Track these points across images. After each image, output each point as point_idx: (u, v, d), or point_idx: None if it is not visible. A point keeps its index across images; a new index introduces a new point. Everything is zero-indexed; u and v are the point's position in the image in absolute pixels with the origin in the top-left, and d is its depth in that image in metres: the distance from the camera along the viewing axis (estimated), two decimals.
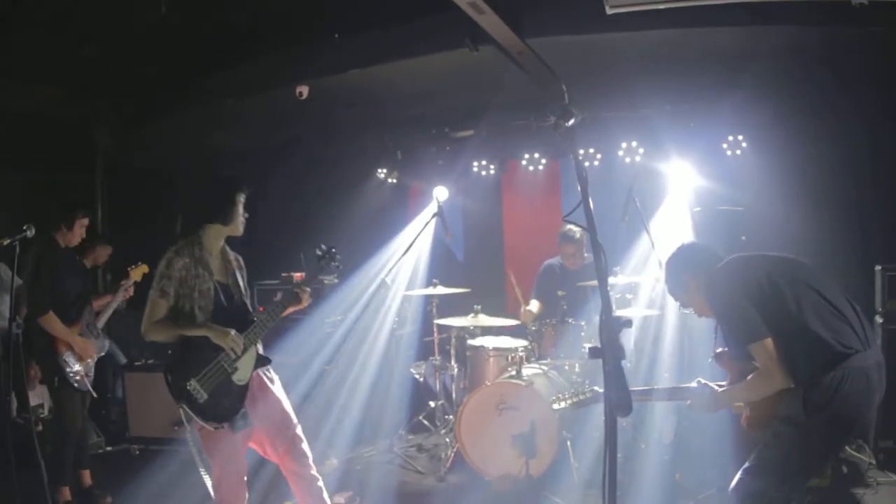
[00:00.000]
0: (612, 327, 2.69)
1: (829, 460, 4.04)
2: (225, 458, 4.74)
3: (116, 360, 8.87)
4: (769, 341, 4.04)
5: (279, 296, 5.11)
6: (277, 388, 5.08)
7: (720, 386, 4.53)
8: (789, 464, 4.04)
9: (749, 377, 4.22)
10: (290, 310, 5.04)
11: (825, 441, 4.01)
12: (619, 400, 2.66)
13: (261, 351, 5.02)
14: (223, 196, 4.91)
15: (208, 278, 4.80)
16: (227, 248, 5.11)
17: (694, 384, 4.59)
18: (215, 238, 4.95)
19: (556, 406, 5.11)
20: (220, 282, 4.90)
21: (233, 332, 4.66)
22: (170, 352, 4.82)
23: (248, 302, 5.11)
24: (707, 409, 4.53)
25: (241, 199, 4.94)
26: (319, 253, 5.29)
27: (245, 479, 4.88)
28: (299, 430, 5.04)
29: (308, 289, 5.10)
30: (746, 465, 4.22)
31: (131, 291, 7.27)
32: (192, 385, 4.60)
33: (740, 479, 4.21)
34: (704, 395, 4.48)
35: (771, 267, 4.30)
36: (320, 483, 5.08)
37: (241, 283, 5.07)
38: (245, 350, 4.71)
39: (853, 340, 4.02)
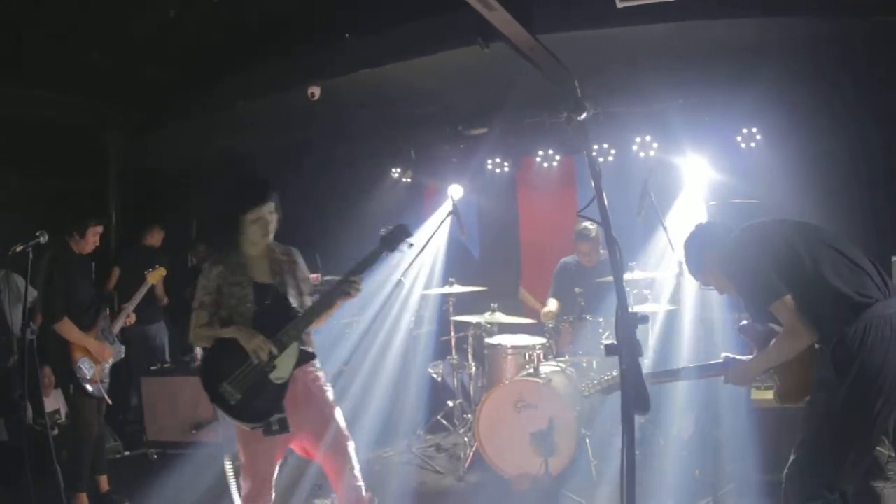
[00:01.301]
0: (628, 324, 2.66)
1: (871, 420, 3.90)
2: (255, 459, 4.72)
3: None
4: (789, 298, 4.03)
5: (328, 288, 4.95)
6: (323, 388, 4.95)
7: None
8: (830, 429, 3.97)
9: (776, 339, 4.23)
10: (340, 303, 4.79)
11: (860, 398, 3.89)
12: (637, 397, 2.62)
13: (309, 347, 4.93)
14: (226, 221, 4.87)
15: (245, 283, 4.78)
16: (275, 246, 5.00)
17: (721, 359, 4.60)
18: (250, 243, 4.89)
19: (585, 394, 5.17)
20: (261, 283, 4.84)
21: (260, 336, 4.59)
22: (204, 354, 4.88)
23: (298, 296, 4.93)
24: (742, 382, 4.62)
25: (256, 214, 4.78)
26: (383, 232, 4.94)
27: (272, 481, 4.80)
28: (345, 435, 4.89)
29: (358, 280, 4.75)
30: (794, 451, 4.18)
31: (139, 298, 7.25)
32: (224, 387, 4.61)
33: (791, 461, 4.15)
34: (736, 368, 4.49)
35: (786, 229, 4.31)
36: (363, 493, 4.94)
37: (289, 279, 4.94)
38: (284, 347, 4.63)
39: (873, 290, 3.99)
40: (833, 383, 3.92)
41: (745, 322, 4.74)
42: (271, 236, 4.88)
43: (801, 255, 4.09)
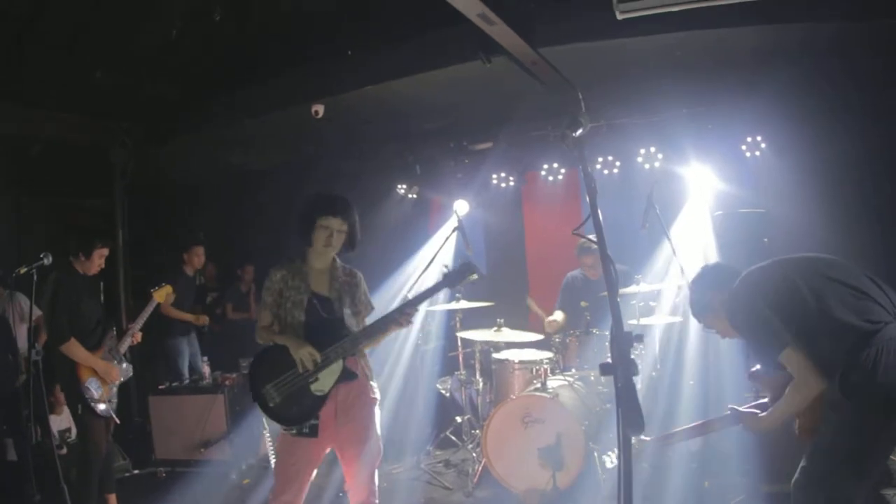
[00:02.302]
0: (622, 343, 2.64)
1: (882, 438, 3.88)
2: (285, 460, 4.84)
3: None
4: (797, 346, 3.97)
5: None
6: (371, 411, 4.97)
7: (754, 404, 4.55)
8: (838, 449, 3.94)
9: (789, 388, 4.14)
10: (393, 330, 4.93)
11: (871, 420, 3.85)
12: (631, 418, 2.60)
13: (363, 366, 5.00)
14: (302, 219, 4.96)
15: (304, 290, 4.90)
16: (340, 265, 5.12)
17: (728, 413, 4.59)
18: (314, 255, 5.00)
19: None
20: (319, 294, 4.94)
21: (308, 347, 4.70)
22: (256, 355, 4.99)
23: (352, 316, 5.02)
24: (764, 433, 4.65)
25: (324, 222, 4.89)
26: (446, 271, 5.17)
27: (306, 487, 4.86)
28: (373, 465, 4.92)
29: (414, 310, 4.91)
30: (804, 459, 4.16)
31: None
32: (267, 389, 4.79)
33: (800, 468, 4.13)
34: (753, 423, 4.47)
35: (786, 268, 4.26)
36: None
37: (346, 298, 5.02)
38: (330, 362, 4.73)
39: (881, 314, 3.95)
40: (843, 406, 3.89)
41: (755, 368, 4.70)
42: (334, 251, 4.98)
43: (804, 293, 4.05)
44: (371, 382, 5.03)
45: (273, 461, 5.63)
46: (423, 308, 9.07)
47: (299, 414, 4.75)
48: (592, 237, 2.99)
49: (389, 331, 4.92)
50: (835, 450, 3.95)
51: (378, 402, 5.04)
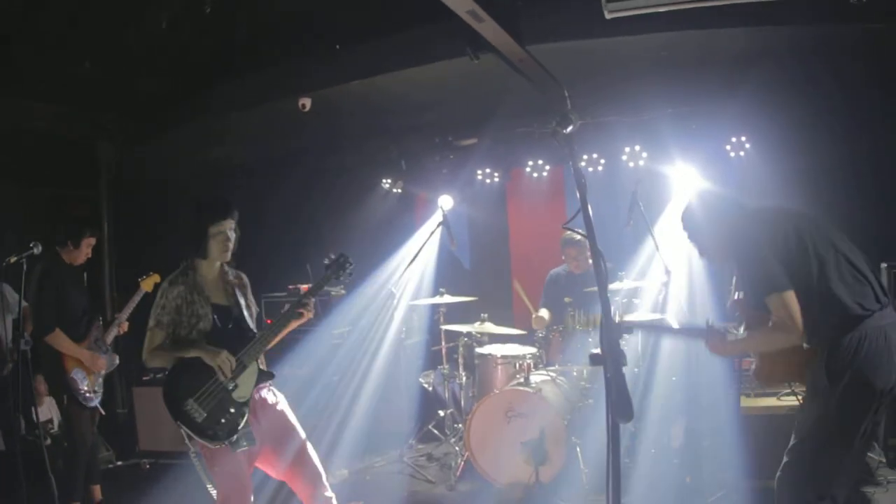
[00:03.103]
0: (612, 333, 2.69)
1: (862, 429, 3.89)
2: (228, 476, 4.72)
3: None
4: (790, 294, 3.95)
5: (285, 309, 5.09)
6: (281, 406, 5.05)
7: (732, 329, 4.57)
8: (822, 436, 3.98)
9: (764, 328, 4.13)
10: (294, 324, 4.98)
11: (851, 407, 3.90)
12: (621, 406, 2.65)
13: (263, 367, 5.02)
14: (194, 232, 4.89)
15: (204, 303, 4.85)
16: (227, 269, 5.11)
17: (703, 325, 4.55)
18: (207, 265, 4.98)
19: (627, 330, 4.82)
20: (218, 304, 4.93)
21: (224, 352, 4.68)
22: (167, 372, 4.86)
23: (250, 318, 5.07)
24: (721, 353, 4.56)
25: (218, 228, 4.87)
26: (327, 262, 5.18)
27: (251, 497, 4.83)
28: (309, 449, 4.99)
29: (311, 302, 4.98)
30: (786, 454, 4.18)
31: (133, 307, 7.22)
32: (190, 404, 4.66)
33: (783, 464, 4.16)
34: (717, 339, 4.44)
35: (800, 223, 4.21)
36: (334, 502, 5.04)
37: (242, 302, 5.06)
38: (244, 367, 4.75)
39: (872, 302, 3.99)
40: (826, 392, 3.94)
41: (738, 296, 4.65)
42: (229, 254, 4.97)
43: (810, 256, 4.05)
44: (271, 386, 5.12)
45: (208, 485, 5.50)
46: (406, 302, 9.22)
47: (228, 425, 4.68)
48: (581, 231, 3.02)
49: (290, 326, 4.99)
50: (815, 440, 3.99)
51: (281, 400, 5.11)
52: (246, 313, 5.04)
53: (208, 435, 4.66)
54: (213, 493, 4.89)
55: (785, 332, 3.97)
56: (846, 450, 3.96)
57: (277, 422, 4.95)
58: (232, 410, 4.70)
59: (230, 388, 4.70)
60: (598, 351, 2.70)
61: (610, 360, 2.66)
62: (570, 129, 3.06)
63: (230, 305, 4.98)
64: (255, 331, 4.98)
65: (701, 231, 4.58)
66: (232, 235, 4.93)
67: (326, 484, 4.98)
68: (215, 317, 4.86)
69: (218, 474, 4.76)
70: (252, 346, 4.80)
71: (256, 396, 4.89)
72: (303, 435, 5.01)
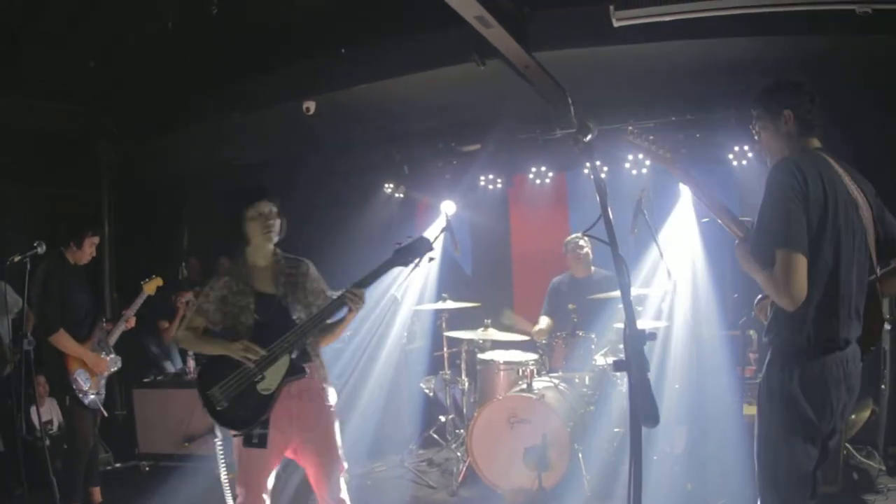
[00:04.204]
0: (636, 340, 2.70)
1: (796, 457, 3.67)
2: (247, 464, 4.68)
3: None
4: (801, 259, 3.47)
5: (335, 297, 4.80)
6: (327, 417, 4.84)
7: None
8: (764, 460, 3.75)
9: (767, 272, 3.59)
10: (349, 317, 4.77)
11: (779, 428, 3.66)
12: (646, 411, 2.66)
13: (315, 361, 4.86)
14: (232, 219, 4.88)
15: (248, 292, 4.77)
16: (282, 258, 4.97)
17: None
18: (255, 253, 4.91)
19: (630, 138, 4.65)
20: (263, 292, 4.80)
21: (241, 342, 4.58)
22: (205, 359, 4.87)
23: (303, 308, 4.84)
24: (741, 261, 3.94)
25: (255, 211, 4.80)
26: (400, 245, 4.77)
27: (266, 494, 4.75)
28: (342, 473, 4.85)
29: (359, 293, 4.64)
30: None
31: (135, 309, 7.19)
32: (214, 392, 4.63)
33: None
34: (745, 248, 3.90)
35: (851, 215, 3.68)
36: None
37: (296, 292, 4.86)
38: (275, 359, 4.60)
39: (852, 332, 3.66)
40: (763, 405, 3.76)
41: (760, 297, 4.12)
42: (274, 237, 4.87)
43: (829, 254, 3.59)
44: (326, 387, 4.89)
45: (222, 473, 5.50)
46: (410, 308, 9.22)
47: (247, 416, 4.60)
48: (583, 239, 3.01)
49: (347, 319, 4.79)
50: (763, 460, 3.77)
51: (334, 410, 4.90)
52: (298, 304, 4.83)
53: (225, 423, 4.67)
54: (225, 481, 4.89)
55: (776, 290, 3.55)
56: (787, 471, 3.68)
57: (313, 435, 4.77)
58: (253, 402, 4.60)
59: (256, 379, 4.59)
60: (613, 358, 2.69)
61: (634, 365, 2.67)
62: (589, 137, 3.07)
63: (276, 294, 4.81)
64: (299, 322, 4.73)
65: (774, 122, 3.97)
66: (273, 217, 4.83)
67: (346, 498, 4.86)
68: (257, 306, 4.75)
69: (239, 461, 4.72)
70: (286, 338, 4.60)
71: (295, 393, 4.71)
72: (341, 462, 4.85)
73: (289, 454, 4.84)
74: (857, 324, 3.70)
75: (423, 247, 4.75)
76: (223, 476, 5.30)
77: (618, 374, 6.79)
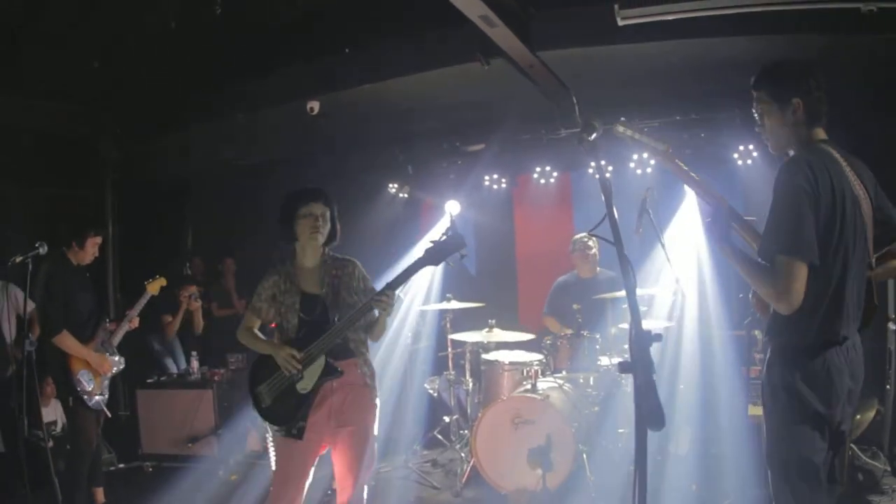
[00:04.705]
0: (642, 341, 2.67)
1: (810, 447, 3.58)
2: (282, 459, 4.87)
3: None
4: (804, 267, 3.36)
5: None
6: (366, 418, 4.89)
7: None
8: (775, 458, 3.65)
9: (764, 268, 3.50)
10: (383, 317, 4.80)
11: (785, 423, 3.58)
12: (651, 414, 2.63)
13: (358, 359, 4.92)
14: (284, 215, 4.94)
15: (294, 292, 4.88)
16: (330, 258, 5.04)
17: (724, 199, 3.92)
18: (302, 253, 4.99)
19: (620, 129, 4.44)
20: (309, 292, 4.89)
21: (287, 349, 4.68)
22: (254, 358, 5.03)
23: (349, 307, 4.82)
24: (713, 242, 3.83)
25: (305, 210, 4.87)
26: (434, 244, 4.71)
27: (302, 489, 4.79)
28: (365, 473, 4.83)
29: (390, 294, 4.64)
30: None
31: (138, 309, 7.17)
32: (260, 391, 4.84)
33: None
34: (720, 224, 3.77)
35: (858, 221, 3.57)
36: None
37: (341, 292, 4.90)
38: (313, 359, 4.69)
39: (852, 328, 3.59)
40: (766, 404, 3.68)
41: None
42: (322, 238, 4.91)
43: (838, 256, 3.49)
44: (371, 388, 4.94)
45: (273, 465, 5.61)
46: (415, 308, 9.20)
47: (285, 413, 4.75)
48: (591, 239, 2.98)
49: (379, 320, 4.83)
50: (773, 456, 3.68)
51: (376, 408, 4.98)
52: (343, 304, 4.86)
53: (269, 419, 4.89)
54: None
55: (774, 292, 3.44)
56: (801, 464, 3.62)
57: (352, 429, 4.80)
58: (292, 400, 4.73)
59: (295, 379, 4.71)
60: (618, 359, 2.66)
61: (639, 367, 2.64)
62: (594, 136, 3.04)
63: (321, 294, 4.88)
64: (331, 322, 4.77)
65: (780, 104, 3.84)
66: (323, 220, 4.89)
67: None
68: (301, 306, 4.86)
69: (278, 458, 4.94)
70: (322, 340, 4.68)
71: (338, 391, 4.79)
72: (371, 454, 4.88)
73: (324, 447, 4.90)
74: (857, 319, 3.65)
75: (455, 244, 4.71)
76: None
77: (623, 374, 6.78)
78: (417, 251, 9.02)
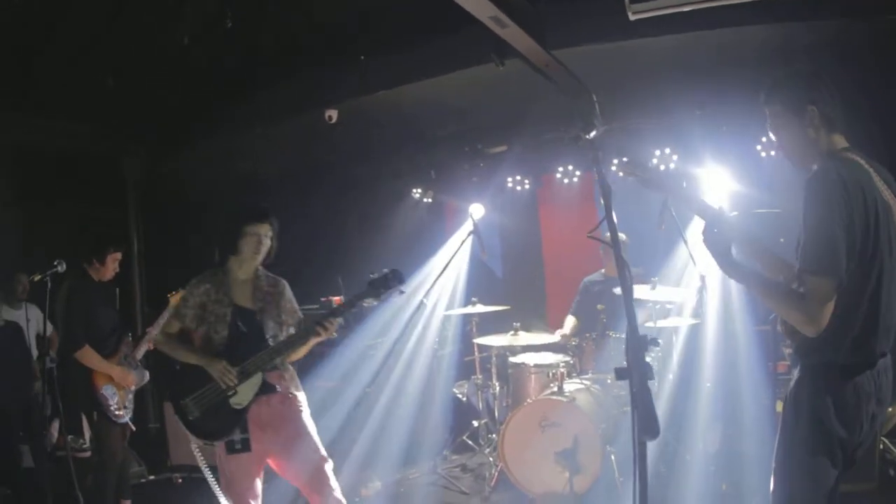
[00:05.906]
0: (637, 347, 2.62)
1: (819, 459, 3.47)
2: (229, 476, 4.86)
3: None
4: (835, 289, 3.18)
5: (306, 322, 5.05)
6: (295, 416, 4.98)
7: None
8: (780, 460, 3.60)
9: (788, 289, 3.35)
10: (314, 341, 4.88)
11: (806, 444, 3.41)
12: (645, 422, 2.58)
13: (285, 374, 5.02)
14: (230, 228, 4.99)
15: (227, 303, 4.91)
16: (262, 273, 5.13)
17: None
18: (238, 266, 5.03)
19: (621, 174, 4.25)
20: (242, 306, 4.95)
21: (222, 363, 4.72)
22: (177, 367, 5.01)
23: (278, 326, 5.04)
24: (712, 254, 3.62)
25: (252, 229, 4.94)
26: (373, 277, 4.88)
27: (253, 497, 4.89)
28: (329, 474, 4.92)
29: (333, 322, 4.81)
30: None
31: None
32: (186, 402, 4.81)
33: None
34: (721, 234, 3.58)
35: (885, 222, 3.36)
36: None
37: (270, 309, 5.03)
38: (248, 376, 4.74)
39: (887, 344, 3.43)
40: (788, 423, 3.53)
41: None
42: (260, 258, 5.02)
43: (873, 273, 3.32)
44: (296, 394, 5.04)
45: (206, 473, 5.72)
46: (439, 313, 9.16)
47: (218, 428, 4.76)
48: (607, 237, 2.94)
49: (309, 342, 4.89)
50: (782, 475, 3.60)
51: (304, 411, 5.03)
52: (271, 322, 5.01)
53: (197, 433, 4.85)
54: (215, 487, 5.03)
55: (802, 314, 3.23)
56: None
57: (285, 429, 4.91)
58: (225, 415, 4.73)
59: (228, 393, 4.72)
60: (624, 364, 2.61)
61: (635, 374, 2.59)
62: (593, 133, 2.99)
63: (254, 310, 4.98)
64: (271, 341, 4.93)
65: (798, 117, 3.60)
66: (266, 241, 4.98)
67: (340, 496, 4.92)
68: (235, 319, 4.90)
69: (222, 472, 4.91)
70: (259, 357, 4.77)
71: (265, 401, 4.85)
72: (322, 453, 4.95)
73: (271, 464, 4.98)
74: (892, 334, 3.47)
75: (394, 279, 4.84)
76: (210, 480, 5.48)
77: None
78: (442, 255, 9.09)
